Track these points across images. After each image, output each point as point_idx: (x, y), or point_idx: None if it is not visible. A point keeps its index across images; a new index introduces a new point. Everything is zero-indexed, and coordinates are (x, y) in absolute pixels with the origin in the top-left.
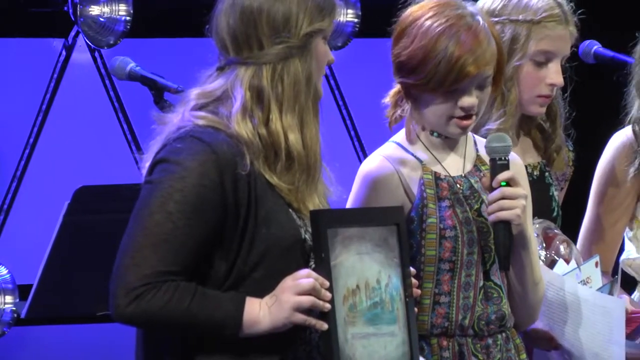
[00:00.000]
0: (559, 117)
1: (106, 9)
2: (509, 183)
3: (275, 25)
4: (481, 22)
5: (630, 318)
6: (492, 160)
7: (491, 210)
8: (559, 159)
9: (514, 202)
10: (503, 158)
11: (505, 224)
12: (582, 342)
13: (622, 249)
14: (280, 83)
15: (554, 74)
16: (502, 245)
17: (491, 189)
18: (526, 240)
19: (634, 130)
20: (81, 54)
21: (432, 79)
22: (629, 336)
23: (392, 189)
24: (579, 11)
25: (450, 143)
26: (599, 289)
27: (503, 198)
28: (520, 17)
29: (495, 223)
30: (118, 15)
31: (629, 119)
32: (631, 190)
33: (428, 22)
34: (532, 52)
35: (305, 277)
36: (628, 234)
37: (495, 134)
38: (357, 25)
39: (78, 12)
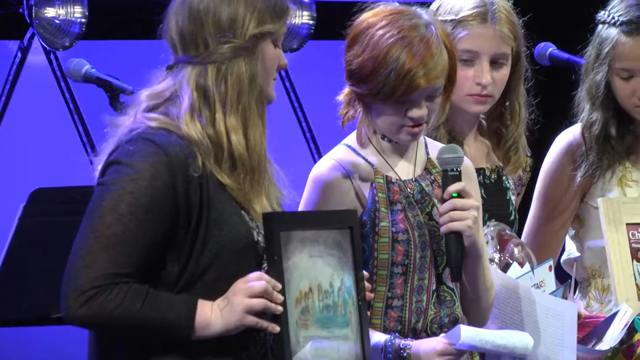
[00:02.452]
0: (518, 116)
1: (61, 11)
2: (460, 194)
3: (221, 26)
4: (434, 32)
5: (584, 323)
6: (444, 171)
7: (442, 222)
8: (514, 160)
9: (465, 214)
10: (455, 169)
11: (457, 235)
12: (535, 345)
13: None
14: (223, 83)
15: (479, 72)
16: (454, 257)
17: (443, 200)
18: (478, 250)
19: (583, 135)
20: (36, 56)
21: (382, 90)
22: (582, 341)
23: (343, 193)
24: (528, 12)
25: (401, 147)
26: (552, 293)
27: (454, 209)
28: (447, 17)
29: (447, 234)
30: (73, 17)
31: (580, 119)
32: (576, 191)
33: (380, 32)
34: (457, 51)
35: (257, 280)
36: (570, 232)
37: (447, 146)
38: (312, 28)
39: (33, 14)
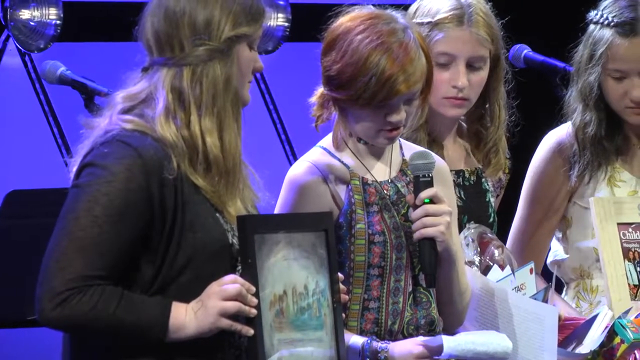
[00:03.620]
0: (498, 119)
1: (36, 13)
2: (432, 200)
3: (197, 28)
4: (412, 36)
5: (563, 325)
6: (415, 177)
7: (415, 228)
8: (494, 162)
9: (438, 219)
10: (427, 175)
11: (430, 241)
12: (515, 349)
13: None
14: (198, 85)
15: (455, 75)
16: (428, 263)
17: (415, 206)
18: (452, 255)
19: (576, 136)
20: (12, 58)
21: (362, 96)
22: (562, 343)
23: (319, 195)
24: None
25: (376, 149)
26: (533, 296)
27: (427, 215)
28: (424, 19)
29: (420, 240)
30: (48, 19)
31: (572, 119)
32: (564, 191)
33: (359, 37)
34: (433, 54)
35: (231, 283)
36: (557, 234)
37: (418, 151)
38: (288, 30)
39: (8, 16)
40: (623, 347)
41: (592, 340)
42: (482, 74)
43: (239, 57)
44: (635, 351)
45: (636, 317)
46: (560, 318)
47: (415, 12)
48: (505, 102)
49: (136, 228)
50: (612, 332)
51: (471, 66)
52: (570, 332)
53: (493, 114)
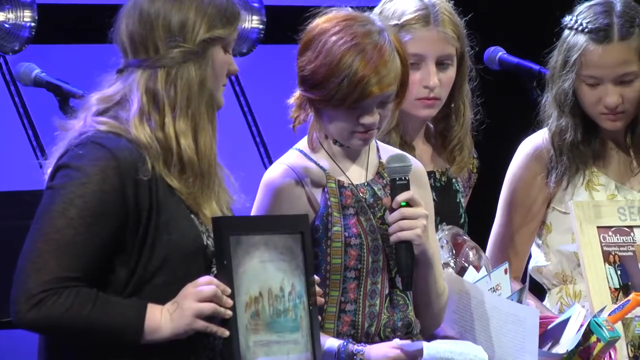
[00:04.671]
0: (462, 116)
1: (11, 15)
2: (409, 203)
3: (171, 30)
4: (387, 38)
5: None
6: (392, 180)
7: (392, 231)
8: (459, 160)
9: (414, 222)
10: (403, 178)
11: (407, 244)
12: (494, 350)
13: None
14: (173, 87)
15: (426, 75)
16: (405, 266)
17: (392, 209)
18: (428, 258)
19: (552, 142)
20: None
21: (335, 96)
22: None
23: (295, 198)
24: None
25: (352, 151)
26: (509, 297)
27: (403, 218)
28: (391, 22)
29: (397, 243)
30: (23, 21)
31: (547, 125)
32: (543, 197)
33: (333, 38)
34: None
35: (207, 284)
36: (537, 240)
37: (395, 154)
38: (262, 32)
39: None
40: (599, 345)
41: (569, 339)
42: (451, 73)
43: (213, 59)
44: (611, 350)
45: (610, 314)
46: None
47: (379, 15)
48: (470, 99)
49: (111, 229)
50: (588, 331)
51: (440, 65)
52: (544, 331)
53: (458, 112)
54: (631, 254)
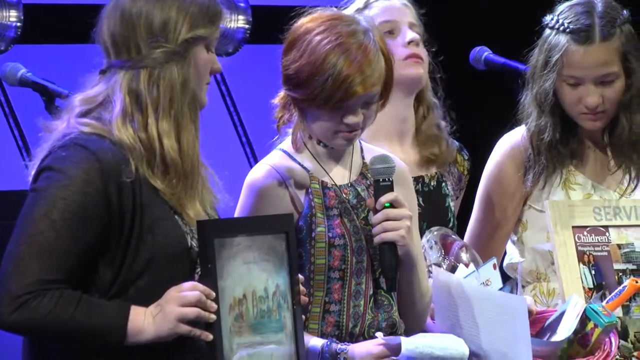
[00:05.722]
0: (428, 106)
1: None
2: (392, 204)
3: (153, 30)
4: (372, 39)
5: (535, 319)
6: (376, 181)
7: (375, 233)
8: (437, 153)
9: (398, 224)
10: (387, 179)
11: (391, 245)
12: (487, 343)
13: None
14: (156, 88)
15: (401, 38)
16: (389, 267)
17: (375, 210)
18: (412, 259)
19: (531, 141)
20: None
21: (319, 96)
22: (536, 336)
23: (278, 199)
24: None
25: (336, 152)
26: (500, 289)
27: (387, 220)
28: (353, 10)
29: (381, 244)
30: (9, 21)
31: (526, 124)
32: (519, 194)
33: (318, 38)
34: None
35: (191, 290)
36: (512, 237)
37: (378, 155)
38: (248, 32)
39: None
40: (597, 331)
41: (565, 328)
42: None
43: (196, 59)
44: (611, 336)
45: (607, 301)
46: (531, 313)
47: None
48: (431, 95)
49: (94, 231)
50: (584, 318)
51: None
52: (542, 325)
53: (425, 101)
54: (606, 253)
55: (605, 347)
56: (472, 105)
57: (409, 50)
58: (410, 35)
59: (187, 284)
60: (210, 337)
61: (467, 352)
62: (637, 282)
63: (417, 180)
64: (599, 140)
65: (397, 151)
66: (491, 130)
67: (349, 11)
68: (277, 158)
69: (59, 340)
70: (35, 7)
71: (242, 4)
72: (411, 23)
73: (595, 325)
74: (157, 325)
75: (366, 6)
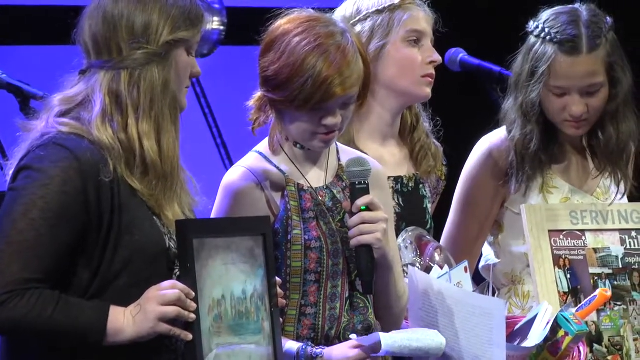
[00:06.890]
0: (416, 114)
1: None
2: (368, 207)
3: (135, 32)
4: (350, 40)
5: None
6: (352, 184)
7: (352, 235)
8: (424, 164)
9: (374, 227)
10: (363, 182)
11: (367, 247)
12: (462, 345)
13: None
14: (136, 89)
15: (430, 51)
16: (365, 270)
17: (352, 213)
18: (388, 261)
19: (515, 150)
20: None
21: (298, 97)
22: (506, 339)
23: (254, 201)
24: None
25: (313, 154)
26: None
27: (363, 222)
28: (382, 6)
29: (357, 247)
30: None
31: (509, 132)
32: (498, 197)
33: (297, 39)
34: (402, 34)
35: (170, 288)
36: (489, 239)
37: (354, 158)
38: (223, 33)
39: None
40: (568, 339)
41: (537, 334)
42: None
43: (176, 61)
44: (580, 345)
45: (577, 309)
46: None
47: (358, 9)
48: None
49: (73, 231)
50: (555, 326)
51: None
52: (512, 330)
53: (417, 117)
54: (582, 257)
55: (574, 355)
56: (446, 107)
57: (429, 70)
58: (437, 57)
59: (167, 283)
60: (190, 336)
61: (443, 341)
62: (607, 292)
63: (397, 180)
64: (578, 145)
65: (384, 152)
66: (465, 131)
67: (378, 5)
68: (252, 160)
69: (38, 340)
70: (9, 8)
71: (217, 6)
72: (431, 38)
73: (566, 333)
74: (137, 325)
75: (400, 5)
